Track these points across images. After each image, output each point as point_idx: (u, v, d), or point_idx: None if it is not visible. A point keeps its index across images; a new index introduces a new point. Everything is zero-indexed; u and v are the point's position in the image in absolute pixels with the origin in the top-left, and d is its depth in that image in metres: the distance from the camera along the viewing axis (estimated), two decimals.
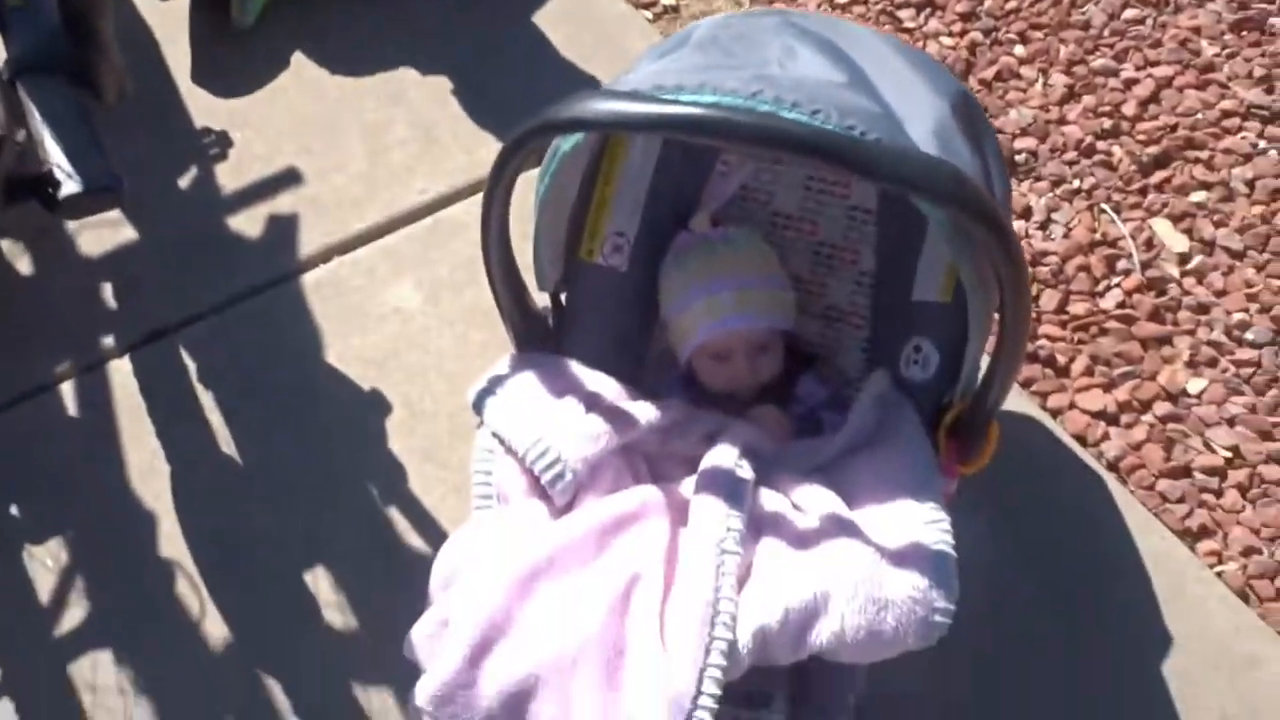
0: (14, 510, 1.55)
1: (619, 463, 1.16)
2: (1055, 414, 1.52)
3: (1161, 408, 1.50)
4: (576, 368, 1.24)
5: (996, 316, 1.01)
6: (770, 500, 1.10)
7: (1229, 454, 1.45)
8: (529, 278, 1.24)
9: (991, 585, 1.36)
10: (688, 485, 1.14)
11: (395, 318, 1.72)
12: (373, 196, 1.89)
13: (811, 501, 1.09)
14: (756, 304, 1.26)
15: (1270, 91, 1.87)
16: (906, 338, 1.22)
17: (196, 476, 1.58)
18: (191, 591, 1.47)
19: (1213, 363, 1.55)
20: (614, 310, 1.33)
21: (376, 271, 1.79)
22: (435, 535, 1.47)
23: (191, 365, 1.70)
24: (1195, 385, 1.52)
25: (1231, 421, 1.48)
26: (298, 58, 2.13)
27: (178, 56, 2.12)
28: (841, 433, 1.15)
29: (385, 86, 2.06)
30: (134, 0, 2.16)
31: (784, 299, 1.29)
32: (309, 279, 1.79)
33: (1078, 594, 1.36)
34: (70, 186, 1.48)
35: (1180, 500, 1.42)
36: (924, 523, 1.02)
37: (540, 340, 1.28)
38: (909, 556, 0.99)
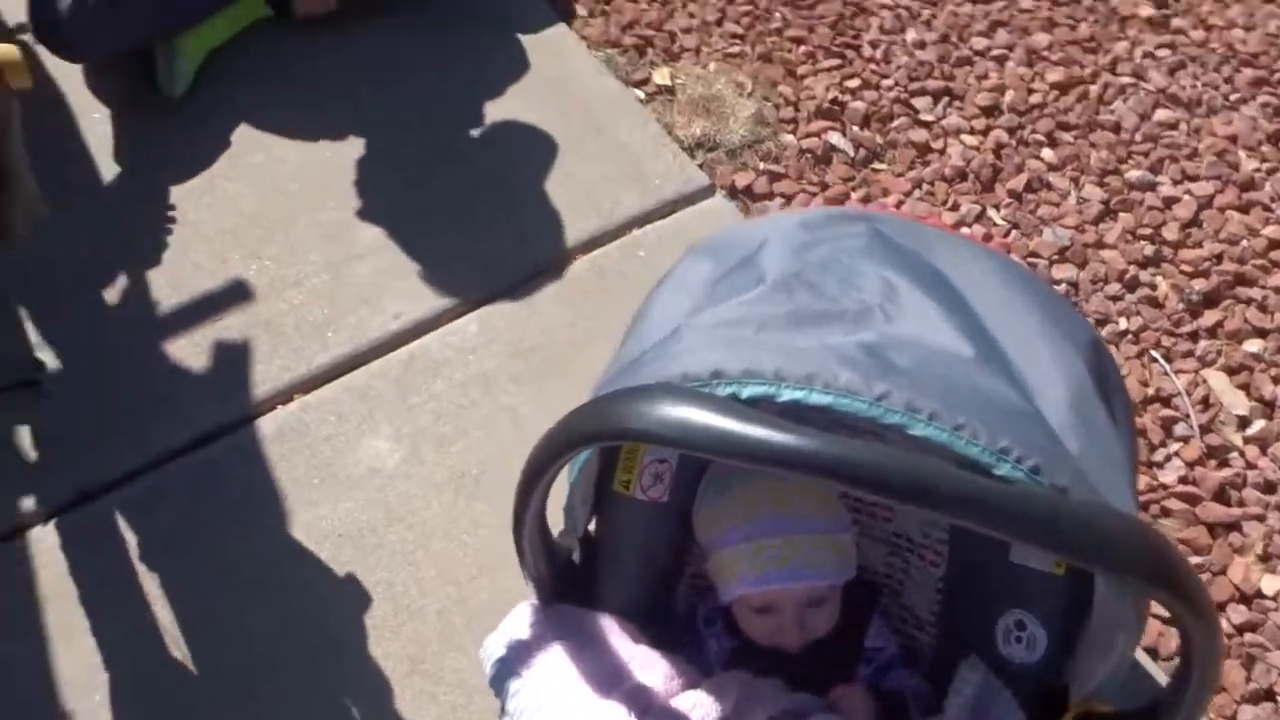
0: None
1: None
2: None
3: (1237, 613, 1.37)
4: (616, 640, 1.04)
5: None
6: None
7: None
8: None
9: None
10: None
11: (371, 480, 1.50)
12: (337, 320, 1.64)
13: None
14: (807, 555, 1.06)
15: None
16: (1003, 608, 1.05)
17: (141, 685, 1.34)
18: None
19: None
20: (654, 545, 1.14)
21: (347, 418, 1.55)
22: None
23: (130, 536, 1.46)
24: (1270, 584, 1.39)
25: None
26: (239, 135, 1.86)
27: (96, 131, 1.84)
28: None
29: (344, 178, 1.80)
30: (42, 61, 1.85)
31: (841, 545, 1.09)
32: (266, 425, 1.55)
33: None
34: None
35: None
36: None
37: (564, 581, 1.09)
38: None
